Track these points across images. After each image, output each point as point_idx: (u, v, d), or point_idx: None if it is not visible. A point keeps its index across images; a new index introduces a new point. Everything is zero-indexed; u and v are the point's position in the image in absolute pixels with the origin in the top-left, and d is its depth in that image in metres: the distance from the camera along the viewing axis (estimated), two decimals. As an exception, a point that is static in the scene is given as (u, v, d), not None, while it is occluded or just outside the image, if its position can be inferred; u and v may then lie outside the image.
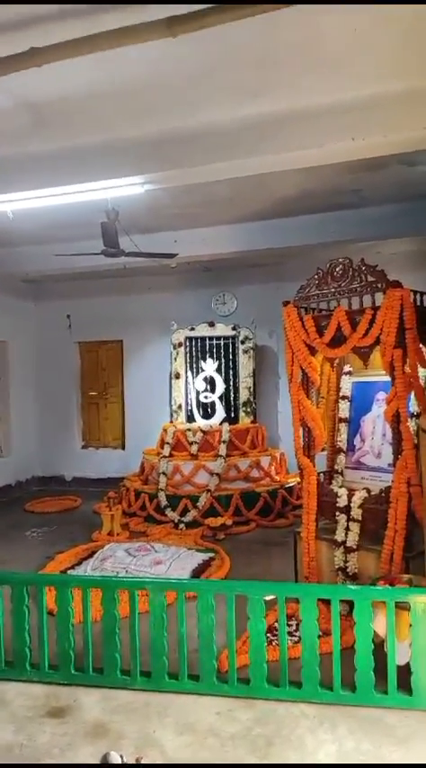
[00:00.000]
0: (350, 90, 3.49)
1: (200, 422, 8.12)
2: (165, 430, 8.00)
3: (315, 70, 3.29)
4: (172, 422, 8.31)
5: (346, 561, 4.17)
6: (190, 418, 8.27)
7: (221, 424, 7.93)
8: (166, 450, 7.69)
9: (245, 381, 8.24)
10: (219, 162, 4.03)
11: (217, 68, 3.24)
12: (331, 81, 3.41)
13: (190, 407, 8.33)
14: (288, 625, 3.66)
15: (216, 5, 2.46)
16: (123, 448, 9.62)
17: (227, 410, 8.23)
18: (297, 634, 3.61)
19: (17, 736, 2.91)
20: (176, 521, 6.96)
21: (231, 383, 8.29)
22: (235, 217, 6.73)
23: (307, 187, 5.68)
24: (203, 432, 7.72)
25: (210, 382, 8.30)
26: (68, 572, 5.29)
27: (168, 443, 7.75)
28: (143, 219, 6.40)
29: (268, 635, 3.34)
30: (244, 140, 3.88)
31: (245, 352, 8.23)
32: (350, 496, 4.26)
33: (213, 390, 8.28)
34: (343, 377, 4.93)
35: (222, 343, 8.33)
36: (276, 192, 5.87)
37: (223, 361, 8.31)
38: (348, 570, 4.15)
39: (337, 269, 4.32)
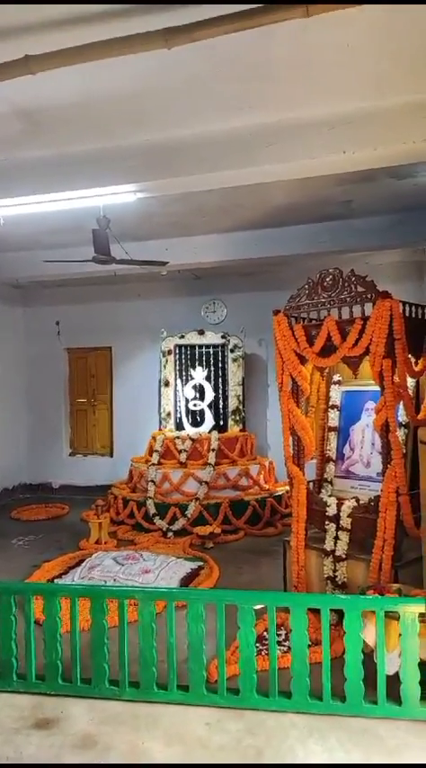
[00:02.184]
0: (341, 104, 3.54)
1: (189, 430, 8.11)
2: (154, 437, 7.98)
3: (308, 84, 3.33)
4: (161, 429, 8.29)
5: (335, 570, 4.18)
6: (179, 426, 8.26)
7: (210, 432, 7.93)
8: (155, 458, 7.66)
9: (235, 389, 8.25)
10: (211, 172, 4.05)
11: (210, 80, 3.27)
12: (322, 95, 3.46)
13: (179, 415, 8.32)
14: (278, 634, 3.66)
15: (210, 18, 2.49)
16: (111, 455, 9.58)
17: (216, 418, 8.23)
18: (287, 643, 3.61)
19: (3, 749, 2.87)
20: (165, 529, 6.93)
21: (220, 391, 8.30)
22: (227, 226, 6.77)
23: (298, 198, 5.73)
24: (192, 440, 7.71)
25: (200, 390, 8.31)
26: (55, 581, 5.24)
27: (157, 451, 7.73)
28: (134, 227, 6.41)
29: (257, 644, 3.33)
30: (235, 151, 3.91)
31: (235, 360, 8.25)
32: (339, 505, 4.27)
33: (202, 398, 8.28)
34: (333, 386, 4.96)
35: (211, 351, 8.34)
36: (267, 202, 5.92)
37: (212, 369, 8.32)
38: (337, 579, 4.15)
39: (327, 279, 4.36)
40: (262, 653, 3.56)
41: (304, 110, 3.61)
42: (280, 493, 7.49)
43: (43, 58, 2.76)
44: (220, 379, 8.31)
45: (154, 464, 7.59)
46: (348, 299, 4.23)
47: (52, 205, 4.59)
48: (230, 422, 8.21)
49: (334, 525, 4.24)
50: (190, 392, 8.31)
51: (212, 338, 8.31)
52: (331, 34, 2.84)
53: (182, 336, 8.35)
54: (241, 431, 8.15)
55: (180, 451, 7.66)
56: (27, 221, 5.41)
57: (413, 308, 4.26)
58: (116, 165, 4.13)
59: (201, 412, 8.26)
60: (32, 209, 4.68)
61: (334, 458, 4.84)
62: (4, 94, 3.34)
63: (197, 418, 8.26)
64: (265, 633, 3.66)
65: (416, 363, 4.20)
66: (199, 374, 8.31)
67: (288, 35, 2.79)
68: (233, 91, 3.40)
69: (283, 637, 3.81)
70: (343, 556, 4.15)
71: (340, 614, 3.42)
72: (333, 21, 2.61)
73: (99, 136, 3.95)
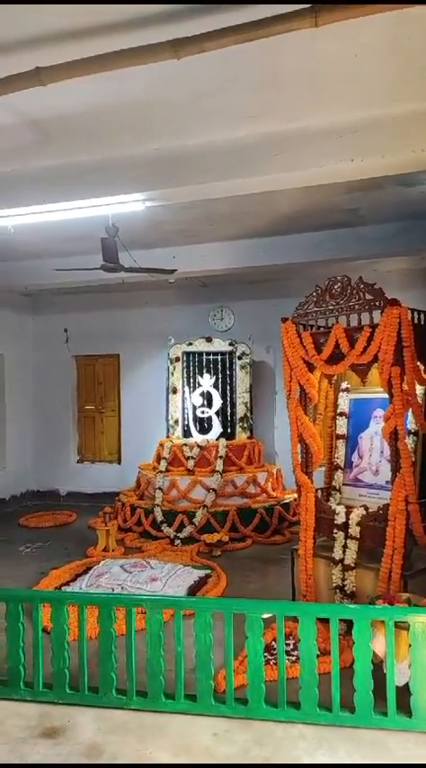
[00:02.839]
0: (349, 112, 3.56)
1: (197, 437, 8.10)
2: (162, 445, 7.98)
3: (315, 93, 3.35)
4: (168, 437, 8.29)
5: (344, 579, 4.15)
6: (187, 433, 8.26)
7: (218, 439, 7.92)
8: (163, 466, 7.66)
9: (242, 397, 8.25)
10: (219, 180, 4.07)
11: (218, 90, 3.29)
12: (330, 103, 3.48)
13: (186, 422, 8.32)
14: (286, 644, 3.63)
15: (219, 29, 2.51)
16: (119, 462, 9.58)
17: (224, 425, 8.22)
18: (295, 653, 3.58)
19: (10, 757, 2.86)
20: (172, 536, 6.91)
21: (228, 398, 8.30)
22: (234, 234, 6.79)
23: (306, 206, 5.74)
24: (200, 447, 7.70)
25: (207, 397, 8.31)
26: (63, 588, 5.24)
27: (165, 458, 7.73)
28: (142, 235, 6.44)
29: (265, 654, 3.31)
30: (243, 160, 3.93)
31: (242, 367, 8.25)
32: (348, 514, 4.25)
33: (210, 405, 8.28)
34: (341, 393, 4.94)
35: (219, 358, 8.35)
36: (275, 210, 5.93)
37: (220, 376, 8.32)
38: (346, 588, 4.12)
39: (335, 286, 4.36)
40: (271, 663, 3.53)
41: (312, 118, 3.63)
42: (288, 501, 7.46)
43: (54, 70, 2.80)
44: (228, 387, 8.31)
45: (161, 471, 7.58)
46: (356, 307, 4.22)
47: (62, 214, 4.63)
48: (238, 429, 8.20)
49: (343, 534, 4.22)
50: (197, 399, 8.31)
51: (220, 345, 8.32)
52: (339, 44, 2.86)
53: (190, 344, 8.36)
54: (248, 438, 8.13)
55: (187, 459, 7.65)
56: (37, 230, 5.45)
57: (422, 316, 4.25)
58: (125, 174, 4.16)
59: (209, 419, 8.26)
60: (42, 218, 4.72)
61: (343, 466, 4.82)
62: (16, 105, 3.39)
63: (204, 425, 8.26)
64: (273, 643, 3.64)
65: (425, 371, 4.18)
66: (206, 381, 8.32)
67: (296, 45, 2.81)
68: (241, 100, 3.42)
69: (291, 646, 3.78)
70: (352, 564, 4.12)
71: (349, 624, 3.39)
72: (341, 31, 2.63)
73: (108, 145, 3.99)
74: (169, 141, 3.91)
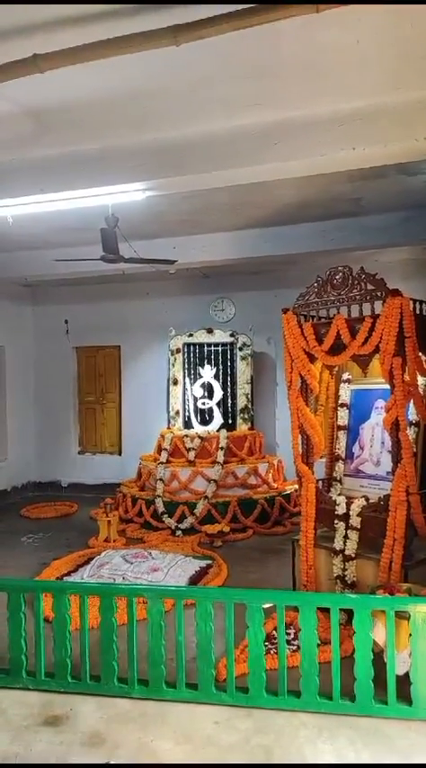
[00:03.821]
0: (350, 100, 3.51)
1: (198, 428, 8.11)
2: (163, 436, 7.99)
3: (317, 81, 3.31)
4: (169, 428, 8.29)
5: (345, 569, 4.16)
6: (188, 424, 8.27)
7: (219, 430, 7.92)
8: (164, 457, 7.67)
9: (243, 388, 8.24)
10: (220, 169, 4.04)
11: (218, 78, 3.25)
12: (332, 91, 3.43)
13: (187, 414, 8.32)
14: (287, 633, 3.65)
15: (219, 15, 2.48)
16: (120, 454, 9.60)
17: (225, 416, 8.22)
18: (296, 642, 3.59)
19: (12, 746, 2.88)
20: (173, 527, 6.94)
21: (229, 389, 8.29)
22: (235, 224, 6.75)
23: (307, 195, 5.70)
24: (201, 438, 7.71)
25: (208, 388, 8.30)
26: (64, 578, 5.26)
27: (165, 449, 7.74)
28: (142, 226, 6.41)
29: (266, 643, 3.32)
30: (244, 148, 3.89)
31: (243, 358, 8.24)
32: (348, 504, 4.25)
33: (211, 397, 8.27)
34: (342, 384, 4.93)
35: (220, 349, 8.34)
36: (276, 200, 5.89)
37: (221, 367, 8.31)
38: (346, 579, 4.14)
39: (337, 277, 4.33)
40: (271, 652, 3.56)
41: (313, 107, 3.59)
42: (289, 491, 7.48)
43: (52, 57, 2.76)
44: (229, 378, 8.30)
45: (162, 462, 7.60)
46: (357, 297, 4.20)
47: (61, 204, 4.60)
48: (239, 420, 8.20)
49: (344, 524, 4.22)
50: (198, 390, 8.30)
51: (221, 336, 8.31)
52: (340, 31, 2.81)
53: (191, 335, 8.35)
54: (249, 429, 8.13)
55: (188, 450, 7.66)
56: (36, 220, 5.42)
57: (424, 306, 4.23)
58: (124, 164, 4.13)
59: (210, 410, 8.26)
60: (42, 209, 4.69)
61: (344, 456, 4.82)
62: (15, 95, 3.35)
63: (205, 416, 8.26)
64: (274, 632, 3.66)
65: (426, 361, 4.17)
66: (207, 372, 8.31)
67: (296, 32, 2.77)
68: (241, 89, 3.38)
69: (292, 636, 3.80)
70: (353, 555, 4.13)
71: (349, 614, 3.40)
72: (342, 17, 2.59)
73: (107, 134, 3.95)
74: (169, 130, 3.87)
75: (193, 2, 2.53)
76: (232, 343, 8.29)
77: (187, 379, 8.36)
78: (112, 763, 2.70)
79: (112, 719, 3.09)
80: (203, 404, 8.28)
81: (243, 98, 3.49)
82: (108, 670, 3.33)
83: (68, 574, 5.41)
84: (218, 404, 8.25)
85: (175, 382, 8.35)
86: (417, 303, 4.14)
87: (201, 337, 8.33)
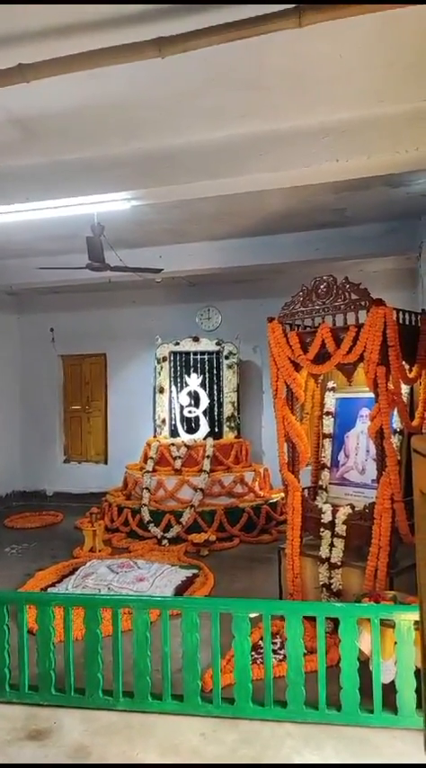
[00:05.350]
0: (335, 112, 3.56)
1: (184, 436, 8.09)
2: (149, 444, 7.96)
3: (301, 93, 3.35)
4: (155, 436, 8.27)
5: (330, 578, 4.17)
6: (174, 433, 8.25)
7: (205, 438, 7.91)
8: (150, 465, 7.64)
9: (229, 396, 8.25)
10: (205, 180, 4.06)
11: (203, 89, 3.28)
12: (316, 104, 3.48)
13: (174, 422, 8.31)
14: (273, 643, 3.64)
15: (202, 29, 2.50)
16: (106, 462, 9.54)
17: (211, 425, 8.22)
18: (282, 652, 3.59)
19: (-5, 761, 2.83)
20: (159, 536, 6.90)
21: (215, 398, 8.30)
22: (221, 233, 6.79)
23: (293, 206, 5.76)
24: (187, 446, 7.69)
25: (194, 397, 8.30)
26: (49, 589, 5.20)
27: (152, 458, 7.71)
28: (128, 234, 6.42)
29: (252, 653, 3.31)
30: (230, 159, 3.92)
31: (230, 367, 8.26)
32: (334, 512, 4.27)
33: (197, 405, 8.27)
34: (327, 393, 4.96)
35: (206, 357, 8.35)
36: (261, 210, 5.94)
37: (207, 375, 8.32)
38: (332, 587, 4.14)
39: (321, 286, 4.37)
40: (258, 662, 3.54)
41: (297, 119, 3.63)
42: (275, 500, 7.48)
43: (38, 67, 2.77)
44: (215, 386, 8.32)
45: (148, 471, 7.56)
46: (342, 307, 4.24)
47: (47, 213, 4.59)
48: (225, 428, 8.21)
49: (330, 532, 4.24)
50: (185, 399, 8.30)
51: (207, 345, 8.32)
52: (324, 44, 2.86)
53: (177, 343, 8.35)
54: (236, 437, 8.14)
55: (175, 458, 7.64)
56: (21, 228, 5.40)
57: (407, 316, 4.28)
58: (110, 174, 4.13)
59: (196, 419, 8.25)
60: (27, 217, 4.67)
61: (329, 465, 4.84)
62: (1, 103, 3.35)
63: (192, 425, 8.25)
64: (260, 642, 3.64)
65: (410, 370, 4.21)
66: (193, 381, 8.31)
67: (281, 45, 2.80)
68: (226, 100, 3.41)
69: (278, 645, 3.79)
70: (339, 563, 4.14)
71: (335, 622, 3.40)
72: (327, 31, 2.63)
73: (93, 144, 3.96)
74: (154, 141, 3.89)
75: (178, 15, 2.56)
76: (218, 352, 8.31)
77: (173, 388, 8.35)
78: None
79: (97, 732, 3.06)
80: (189, 412, 8.27)
81: (228, 109, 3.52)
82: (93, 682, 3.29)
83: (53, 584, 5.34)
84: (205, 412, 8.25)
85: (162, 390, 8.34)
86: (400, 312, 4.19)
87: (188, 346, 8.34)
